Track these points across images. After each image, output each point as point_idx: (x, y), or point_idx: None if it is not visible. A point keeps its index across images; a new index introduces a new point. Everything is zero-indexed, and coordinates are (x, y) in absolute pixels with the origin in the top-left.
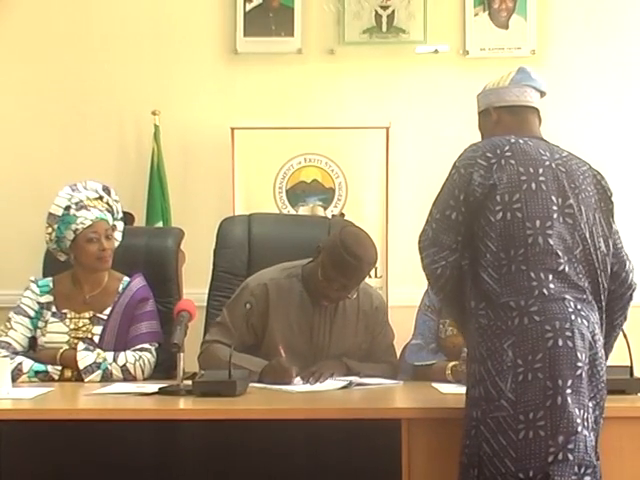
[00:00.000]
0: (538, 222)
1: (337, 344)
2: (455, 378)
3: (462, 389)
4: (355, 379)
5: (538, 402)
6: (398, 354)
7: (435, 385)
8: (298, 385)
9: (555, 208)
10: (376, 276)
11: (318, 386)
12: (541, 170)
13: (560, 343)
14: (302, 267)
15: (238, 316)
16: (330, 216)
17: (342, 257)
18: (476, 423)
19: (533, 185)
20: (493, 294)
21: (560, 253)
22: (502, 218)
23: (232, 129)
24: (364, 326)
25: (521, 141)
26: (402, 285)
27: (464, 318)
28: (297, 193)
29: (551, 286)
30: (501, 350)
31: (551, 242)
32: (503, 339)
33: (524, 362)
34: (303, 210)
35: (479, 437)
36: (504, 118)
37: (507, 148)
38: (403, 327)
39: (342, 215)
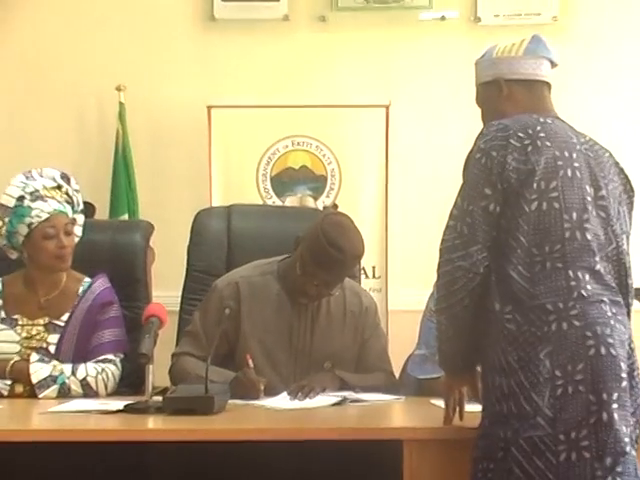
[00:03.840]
0: (575, 214)
1: (320, 348)
2: (473, 395)
3: (473, 406)
4: (350, 394)
5: (580, 419)
6: (400, 366)
7: (441, 402)
8: (285, 401)
9: (589, 199)
10: (374, 276)
11: (308, 402)
12: (575, 155)
13: (603, 351)
14: (278, 263)
15: (210, 323)
16: (321, 208)
17: (323, 249)
18: (505, 444)
19: (569, 171)
20: (525, 295)
21: (595, 250)
22: (537, 208)
23: (209, 108)
24: (352, 329)
25: (549, 120)
26: (404, 287)
27: (484, 330)
28: (283, 181)
29: (589, 287)
30: (536, 360)
31: (588, 237)
32: (538, 347)
33: (563, 373)
34: (290, 201)
35: (509, 460)
36: (517, 93)
37: (539, 128)
38: (405, 335)
39: (335, 206)
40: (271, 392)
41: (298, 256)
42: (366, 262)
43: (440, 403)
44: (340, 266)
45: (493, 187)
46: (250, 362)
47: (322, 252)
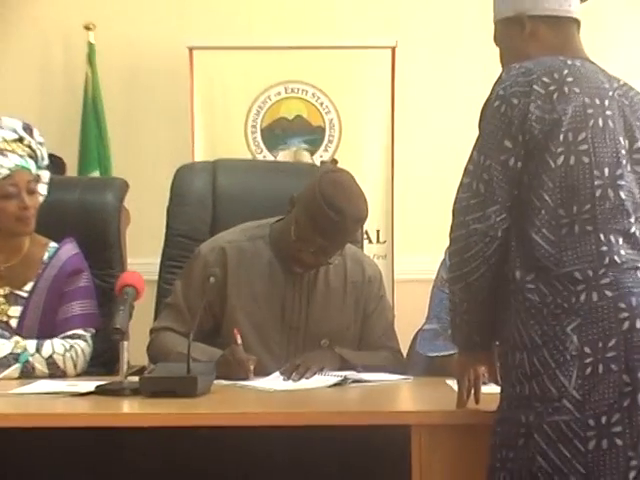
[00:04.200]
0: (607, 170)
1: (317, 324)
2: (490, 375)
3: (490, 387)
4: (351, 374)
5: (612, 402)
6: (407, 342)
7: (454, 383)
8: (278, 382)
9: (623, 152)
10: (378, 241)
11: (304, 383)
12: (607, 102)
13: (638, 325)
14: (270, 226)
15: (192, 293)
16: (319, 163)
17: (321, 211)
18: (526, 430)
19: (600, 121)
20: (550, 262)
21: (630, 210)
22: (564, 163)
23: (190, 49)
24: (353, 301)
25: (577, 63)
26: (412, 253)
27: (502, 301)
28: (276, 133)
29: (622, 252)
30: (562, 335)
31: (622, 196)
32: (565, 321)
33: (593, 350)
34: (283, 156)
35: (531, 448)
36: (542, 31)
37: (566, 72)
38: (413, 308)
39: (334, 162)
40: (262, 372)
41: (293, 219)
42: (369, 226)
43: (453, 384)
44: (340, 231)
45: (514, 139)
46: (238, 338)
47: (320, 215)
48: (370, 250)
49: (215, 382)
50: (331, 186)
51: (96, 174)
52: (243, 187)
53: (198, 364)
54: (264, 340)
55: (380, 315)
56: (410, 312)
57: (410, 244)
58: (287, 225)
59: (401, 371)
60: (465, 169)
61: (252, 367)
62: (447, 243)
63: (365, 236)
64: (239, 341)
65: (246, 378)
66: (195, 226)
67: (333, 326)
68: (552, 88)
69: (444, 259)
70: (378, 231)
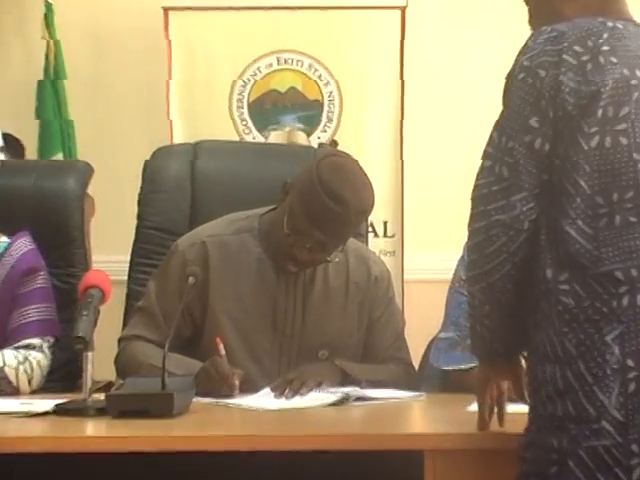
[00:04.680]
0: None
1: (314, 331)
2: (516, 392)
3: (517, 406)
4: (354, 391)
5: None
6: (419, 353)
7: (473, 400)
8: (268, 399)
9: None
10: (385, 235)
11: (299, 401)
12: None
13: None
14: (259, 218)
15: (168, 296)
16: (316, 145)
17: (319, 200)
18: (559, 456)
19: None
20: (586, 259)
21: None
22: (599, 145)
23: (165, 10)
24: (357, 305)
25: (620, 25)
26: (425, 249)
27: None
28: (266, 110)
29: None
30: (602, 345)
31: None
32: (605, 328)
33: (637, 363)
34: (275, 136)
35: (565, 478)
36: None
37: (605, 36)
38: (426, 313)
39: (334, 144)
40: (250, 388)
41: (286, 209)
42: (375, 217)
43: (473, 402)
44: (341, 223)
45: (542, 116)
46: (221, 348)
47: (317, 204)
48: (376, 245)
49: (194, 400)
50: (331, 171)
51: (59, 157)
52: (228, 173)
53: (175, 379)
54: (252, 351)
55: (388, 321)
56: (423, 318)
57: (423, 238)
58: (279, 216)
59: (412, 387)
60: (484, 152)
61: (237, 382)
62: (466, 237)
63: (370, 229)
64: (222, 352)
65: (230, 395)
66: (171, 217)
67: (333, 334)
68: (585, 58)
69: (462, 256)
70: (385, 223)
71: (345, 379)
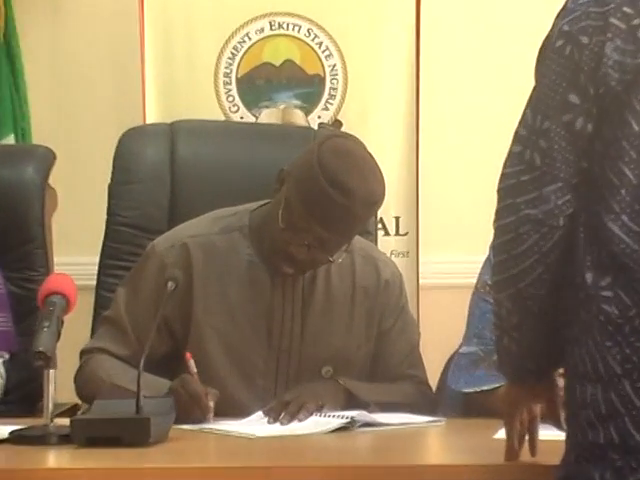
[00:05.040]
0: None
1: (315, 345)
2: (551, 416)
3: (551, 432)
4: (361, 415)
5: None
6: (436, 370)
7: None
8: (261, 425)
9: None
10: (397, 233)
11: (296, 427)
12: None
13: None
14: (250, 214)
15: (142, 305)
16: (316, 126)
17: (320, 190)
18: None
19: None
20: (633, 260)
21: None
22: None
23: None
24: (364, 315)
25: None
26: (443, 249)
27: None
28: (257, 85)
29: None
30: None
31: None
32: None
33: None
34: (267, 115)
35: None
36: None
37: None
38: (445, 323)
39: (337, 124)
40: (239, 412)
41: (282, 200)
42: (386, 211)
43: (500, 429)
44: (346, 217)
45: (583, 92)
46: (192, 364)
47: (318, 195)
48: (387, 245)
49: (175, 427)
50: (334, 156)
51: (10, 140)
52: (213, 159)
53: (152, 400)
54: (243, 369)
55: (400, 333)
56: (441, 329)
57: (441, 237)
58: (274, 209)
59: (429, 410)
60: (515, 134)
61: (212, 404)
62: (492, 235)
63: (380, 226)
64: (193, 369)
65: (203, 419)
66: (147, 212)
67: (337, 349)
68: (637, 22)
69: (488, 257)
70: (397, 219)
71: (350, 401)
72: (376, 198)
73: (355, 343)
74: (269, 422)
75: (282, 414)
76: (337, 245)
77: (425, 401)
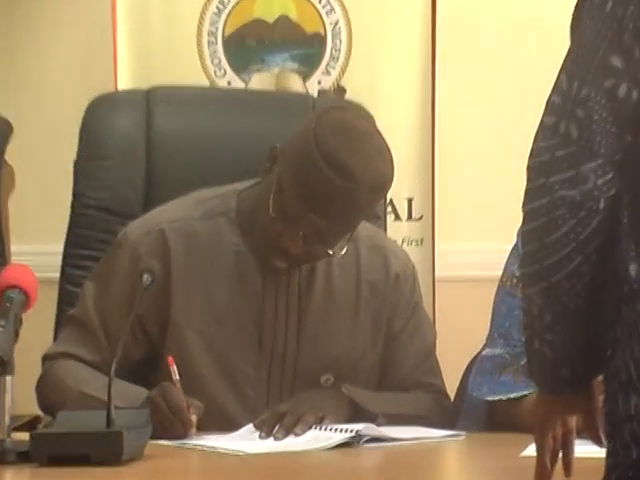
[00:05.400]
0: None
1: (314, 349)
2: (589, 430)
3: (589, 448)
4: (368, 428)
5: None
6: (454, 377)
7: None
8: (252, 441)
9: None
10: (410, 217)
11: (292, 443)
12: None
13: None
14: (237, 196)
15: (112, 303)
16: (316, 93)
17: (318, 172)
18: None
19: None
20: None
21: None
22: None
23: None
24: (371, 313)
25: None
26: (462, 237)
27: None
28: (247, 46)
29: None
30: None
31: None
32: None
33: None
34: (259, 80)
35: None
36: None
37: None
38: (464, 322)
39: (340, 91)
40: (226, 427)
41: (273, 185)
42: (396, 193)
43: (530, 445)
44: (348, 204)
45: (626, 55)
46: (174, 370)
47: (315, 178)
48: (398, 231)
49: (152, 442)
50: (333, 132)
51: None
52: (196, 132)
53: (125, 412)
54: (230, 377)
55: (413, 334)
56: (460, 329)
57: (461, 222)
58: (264, 194)
59: (446, 423)
60: (547, 102)
61: (195, 418)
62: (519, 220)
63: (390, 209)
64: (175, 376)
65: (185, 435)
66: (120, 193)
67: (340, 354)
68: None
69: (516, 245)
70: (410, 201)
71: (355, 412)
72: (383, 181)
73: (360, 348)
74: (261, 437)
75: (276, 427)
76: (338, 236)
77: (442, 413)
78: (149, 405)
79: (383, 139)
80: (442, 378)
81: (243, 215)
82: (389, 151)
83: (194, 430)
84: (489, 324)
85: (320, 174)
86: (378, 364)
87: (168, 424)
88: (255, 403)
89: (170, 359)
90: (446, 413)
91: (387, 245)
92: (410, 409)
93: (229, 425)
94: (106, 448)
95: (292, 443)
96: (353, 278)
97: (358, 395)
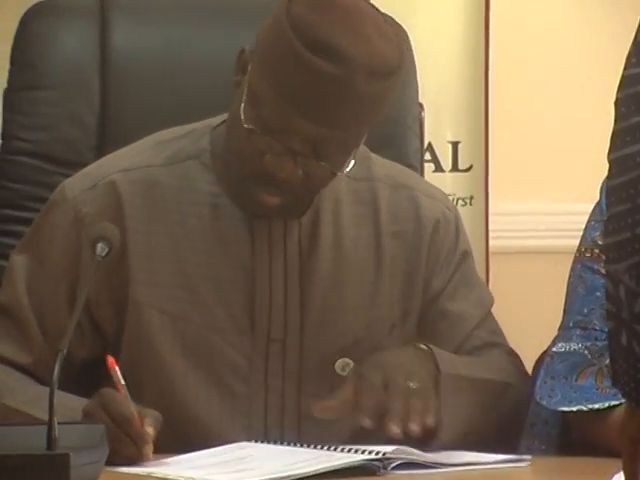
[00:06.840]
0: None
1: (323, 326)
2: None
3: None
4: (399, 450)
5: None
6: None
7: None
8: (237, 461)
9: None
10: (456, 168)
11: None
12: None
13: None
14: (212, 133)
15: (48, 282)
16: None
17: (295, 57)
18: None
19: None
20: None
21: None
22: None
23: None
24: (400, 275)
25: None
26: (524, 194)
27: None
28: None
29: None
30: None
31: None
32: None
33: None
34: None
35: None
36: None
37: None
38: (528, 304)
39: None
40: (209, 436)
41: (243, 90)
42: (436, 134)
43: (618, 472)
44: (341, 96)
45: None
46: (116, 373)
47: (293, 66)
48: (438, 185)
49: (107, 469)
50: (314, 5)
51: None
52: (164, 52)
53: (74, 428)
54: (213, 371)
55: (466, 287)
56: (520, 312)
57: (523, 176)
58: (236, 108)
59: (530, 395)
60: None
61: (151, 430)
62: (601, 173)
63: (428, 156)
64: (120, 380)
65: (138, 456)
66: (64, 135)
67: (357, 331)
68: None
69: (598, 204)
70: (455, 145)
71: (443, 376)
72: (385, 61)
73: (386, 321)
74: (395, 435)
75: (389, 416)
76: (337, 147)
77: (524, 379)
78: (87, 420)
79: (382, 18)
80: (505, 338)
81: (220, 157)
82: (392, 30)
83: (150, 452)
84: (563, 309)
85: (298, 60)
86: (412, 334)
87: (116, 442)
88: (248, 403)
89: (110, 360)
90: (528, 381)
91: (415, 184)
92: (490, 374)
93: (212, 436)
94: (47, 475)
95: (288, 465)
96: (370, 230)
97: (444, 359)
